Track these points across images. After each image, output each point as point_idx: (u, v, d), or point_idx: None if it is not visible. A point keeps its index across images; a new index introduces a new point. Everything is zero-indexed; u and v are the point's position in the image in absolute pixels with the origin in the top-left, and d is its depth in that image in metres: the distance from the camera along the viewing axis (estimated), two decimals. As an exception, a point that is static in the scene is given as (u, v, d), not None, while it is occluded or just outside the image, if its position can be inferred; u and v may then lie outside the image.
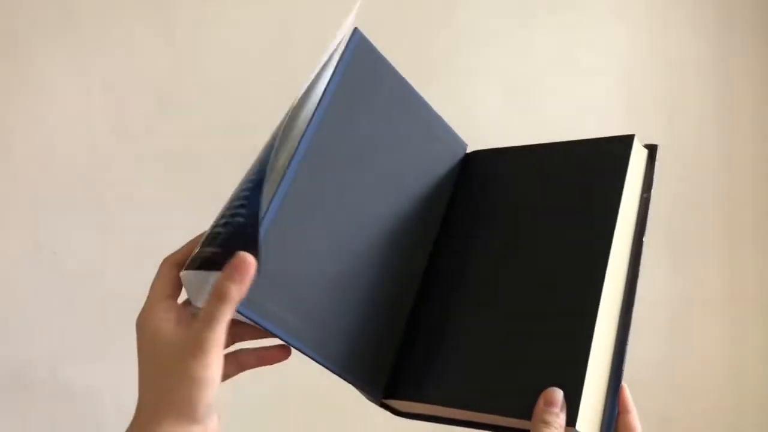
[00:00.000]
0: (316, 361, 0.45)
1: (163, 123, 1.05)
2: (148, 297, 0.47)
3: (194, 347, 0.40)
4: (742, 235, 1.43)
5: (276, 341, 0.46)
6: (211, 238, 0.44)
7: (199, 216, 1.06)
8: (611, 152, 0.50)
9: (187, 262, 0.45)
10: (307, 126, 0.45)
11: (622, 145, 0.50)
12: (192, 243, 0.48)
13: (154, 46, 1.05)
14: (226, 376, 0.45)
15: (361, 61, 0.49)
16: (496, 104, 1.25)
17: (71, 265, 1.00)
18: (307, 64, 1.21)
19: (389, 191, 0.49)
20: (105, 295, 1.01)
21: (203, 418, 0.40)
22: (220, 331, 0.40)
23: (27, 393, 0.98)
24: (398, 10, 1.19)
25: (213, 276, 0.41)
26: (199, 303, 0.43)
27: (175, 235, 1.13)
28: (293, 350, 0.46)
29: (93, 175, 1.02)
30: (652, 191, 0.49)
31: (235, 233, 0.41)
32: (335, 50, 0.49)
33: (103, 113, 1.03)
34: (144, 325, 0.45)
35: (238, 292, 0.39)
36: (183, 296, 0.47)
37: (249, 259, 0.39)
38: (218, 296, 0.40)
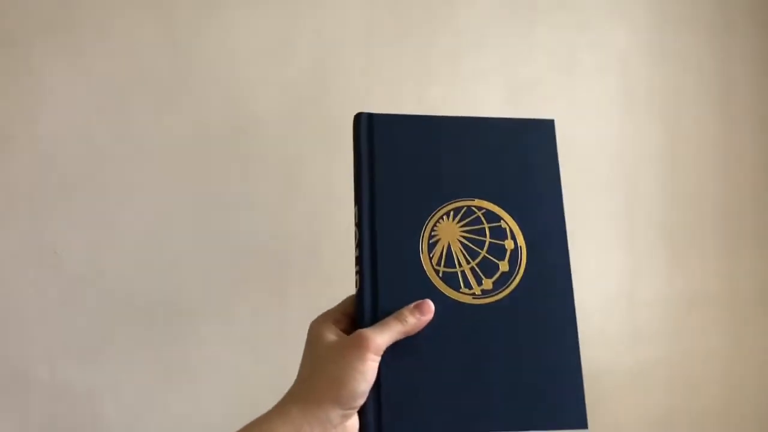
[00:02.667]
0: None
1: (163, 122, 1.05)
2: (328, 310, 0.51)
3: (357, 341, 0.45)
4: (742, 235, 1.43)
5: None
6: None
7: (199, 216, 1.07)
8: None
9: None
10: None
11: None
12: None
13: (154, 46, 1.05)
14: None
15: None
16: (496, 104, 1.25)
17: (71, 265, 1.00)
18: (307, 64, 1.22)
19: None
20: (105, 295, 1.01)
21: (351, 407, 0.45)
22: (385, 338, 0.46)
23: (27, 393, 0.98)
24: (399, 10, 1.19)
25: None
26: None
27: (175, 235, 1.13)
28: None
29: (93, 175, 1.02)
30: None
31: None
32: None
33: (103, 113, 1.03)
34: (314, 325, 0.50)
35: (414, 320, 0.47)
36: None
37: (432, 305, 0.48)
38: (397, 317, 0.47)
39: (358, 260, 0.49)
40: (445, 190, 0.51)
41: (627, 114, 1.35)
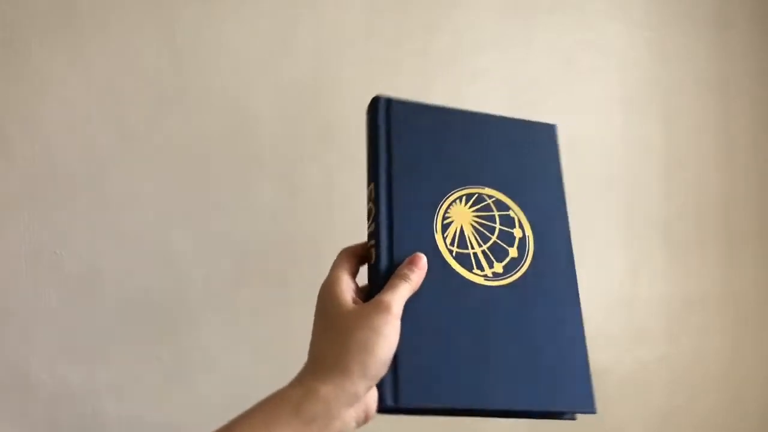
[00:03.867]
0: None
1: (163, 123, 1.05)
2: (331, 273, 0.51)
3: (378, 305, 0.46)
4: (742, 235, 1.43)
5: None
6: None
7: (199, 216, 1.07)
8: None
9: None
10: None
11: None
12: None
13: (154, 46, 1.05)
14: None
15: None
16: (496, 104, 1.25)
17: (71, 265, 1.00)
18: (307, 64, 1.22)
19: None
20: (105, 295, 1.01)
21: (375, 376, 0.44)
22: (400, 300, 0.47)
23: (27, 393, 0.98)
24: (399, 11, 1.19)
25: None
26: None
27: (174, 235, 1.13)
28: None
29: (93, 175, 1.02)
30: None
31: None
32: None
33: (103, 113, 1.03)
34: (328, 293, 0.49)
35: (415, 276, 0.48)
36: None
37: (423, 258, 0.49)
38: (400, 276, 0.48)
39: (373, 235, 0.51)
40: (458, 176, 0.53)
41: (626, 113, 1.36)
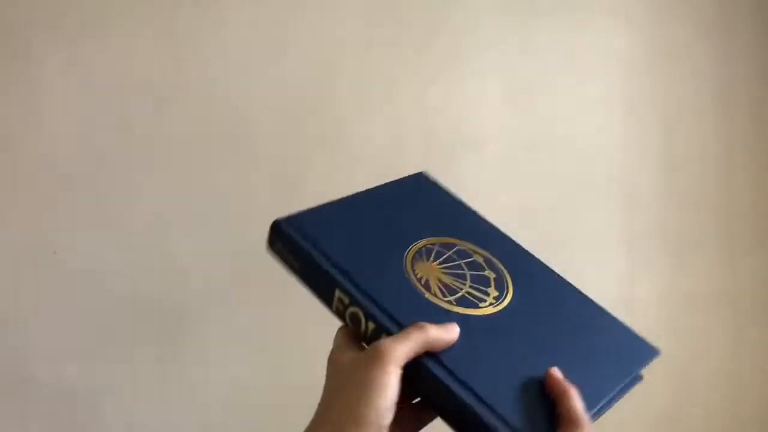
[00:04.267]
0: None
1: (163, 123, 1.05)
2: (336, 340, 0.48)
3: (376, 355, 0.42)
4: (742, 235, 1.43)
5: None
6: None
7: (199, 216, 1.07)
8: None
9: None
10: None
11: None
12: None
13: (154, 46, 1.05)
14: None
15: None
16: (496, 104, 1.25)
17: (71, 265, 1.00)
18: (307, 64, 1.22)
19: None
20: (105, 295, 1.01)
21: (380, 428, 0.41)
22: (403, 350, 0.43)
23: (27, 393, 0.98)
24: (399, 10, 1.19)
25: None
26: None
27: (174, 235, 1.13)
28: None
29: (93, 175, 1.02)
30: None
31: None
32: None
33: (103, 113, 1.03)
34: (334, 358, 0.47)
35: (436, 332, 0.44)
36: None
37: (456, 327, 0.45)
38: (418, 327, 0.44)
39: (377, 331, 0.47)
40: (399, 241, 0.53)
41: (627, 114, 1.35)
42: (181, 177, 1.06)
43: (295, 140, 1.12)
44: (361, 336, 0.48)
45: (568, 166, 1.27)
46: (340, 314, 0.49)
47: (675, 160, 1.38)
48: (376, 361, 0.42)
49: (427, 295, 0.49)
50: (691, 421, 1.37)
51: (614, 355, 0.49)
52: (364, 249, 0.52)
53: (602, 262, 1.32)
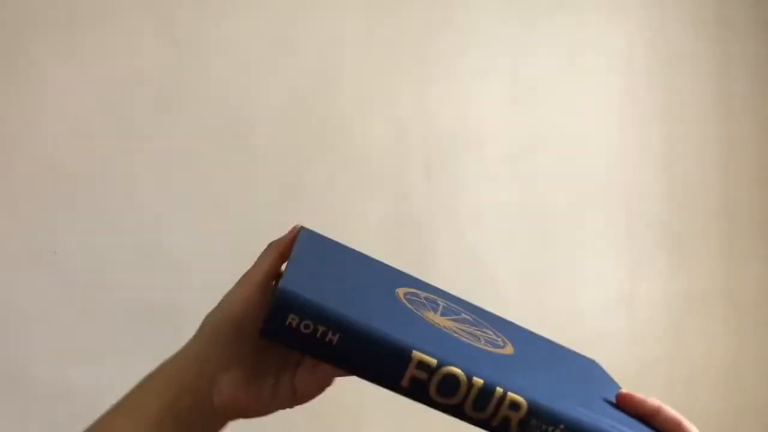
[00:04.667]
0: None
1: (163, 123, 1.05)
2: (254, 266, 0.49)
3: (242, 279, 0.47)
4: (742, 235, 1.43)
5: None
6: None
7: (199, 216, 1.07)
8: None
9: None
10: None
11: None
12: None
13: (154, 46, 1.05)
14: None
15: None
16: (496, 104, 1.25)
17: (71, 265, 1.00)
18: (306, 64, 1.21)
19: None
20: (105, 295, 1.01)
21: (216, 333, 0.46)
22: (261, 264, 0.46)
23: (27, 393, 0.98)
24: (399, 11, 1.19)
25: None
26: None
27: (174, 235, 1.13)
28: None
29: (93, 175, 1.02)
30: None
31: None
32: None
33: (103, 113, 1.03)
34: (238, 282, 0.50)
35: (277, 241, 0.47)
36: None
37: (298, 226, 0.50)
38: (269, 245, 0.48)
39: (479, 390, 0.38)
40: (387, 284, 0.50)
41: (627, 113, 1.36)
42: (181, 177, 1.06)
43: (296, 140, 1.12)
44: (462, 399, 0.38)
45: (568, 166, 1.27)
46: (419, 384, 0.37)
47: (675, 160, 1.38)
48: (240, 283, 0.46)
49: (439, 323, 0.45)
50: (691, 421, 1.37)
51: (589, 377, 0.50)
52: (370, 294, 0.45)
53: (602, 261, 1.32)
